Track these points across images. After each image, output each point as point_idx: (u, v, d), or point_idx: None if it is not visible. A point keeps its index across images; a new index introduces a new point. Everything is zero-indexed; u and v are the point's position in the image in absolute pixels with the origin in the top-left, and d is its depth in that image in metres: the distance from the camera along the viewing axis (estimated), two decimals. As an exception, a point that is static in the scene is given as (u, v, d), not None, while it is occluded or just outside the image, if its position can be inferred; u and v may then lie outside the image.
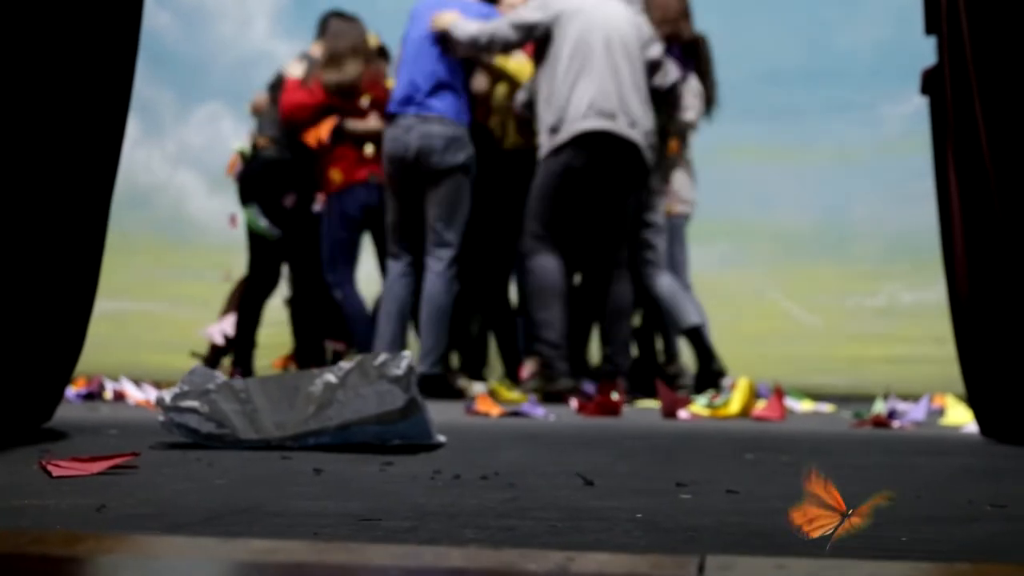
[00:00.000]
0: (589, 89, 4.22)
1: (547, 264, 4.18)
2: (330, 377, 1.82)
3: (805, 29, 6.42)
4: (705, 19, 5.46)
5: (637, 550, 0.82)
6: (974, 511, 1.20)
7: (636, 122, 4.25)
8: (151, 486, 1.29)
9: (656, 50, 4.42)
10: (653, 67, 4.42)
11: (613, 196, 4.26)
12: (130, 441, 1.91)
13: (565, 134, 4.21)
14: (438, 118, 4.32)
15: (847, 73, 6.39)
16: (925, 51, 2.48)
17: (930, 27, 2.41)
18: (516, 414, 3.21)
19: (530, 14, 4.34)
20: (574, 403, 3.61)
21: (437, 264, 4.29)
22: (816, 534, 0.95)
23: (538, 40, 4.37)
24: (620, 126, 4.21)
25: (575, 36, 4.29)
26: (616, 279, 4.28)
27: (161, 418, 1.83)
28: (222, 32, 6.90)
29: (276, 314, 5.06)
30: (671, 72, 4.50)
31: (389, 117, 4.43)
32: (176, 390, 1.83)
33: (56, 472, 1.35)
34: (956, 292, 2.38)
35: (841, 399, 4.78)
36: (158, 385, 3.79)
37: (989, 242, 2.17)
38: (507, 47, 4.40)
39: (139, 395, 3.68)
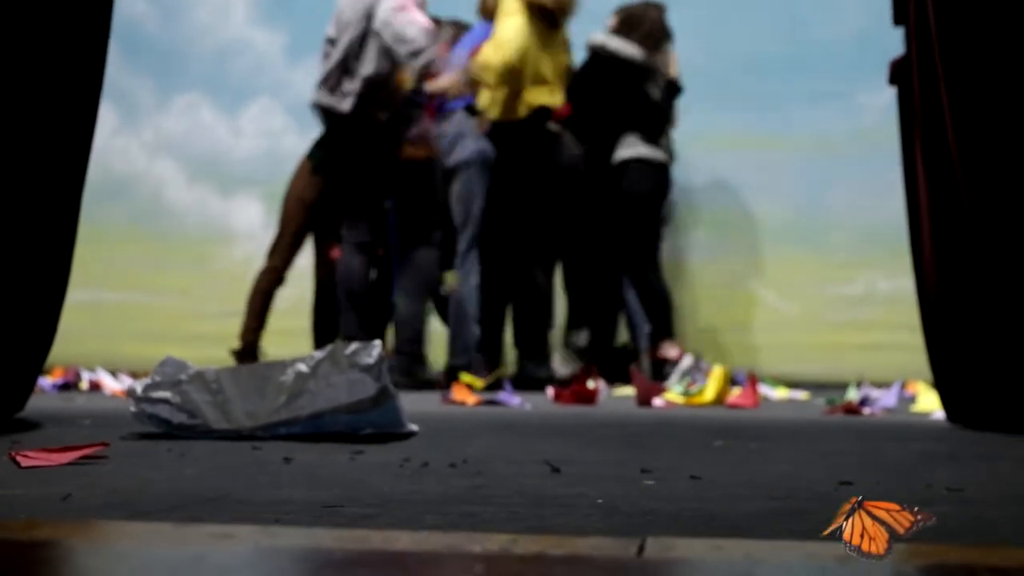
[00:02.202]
0: None
1: (341, 261, 4.43)
2: (301, 367, 1.83)
3: (783, 19, 6.44)
4: (684, 9, 5.47)
5: (588, 532, 0.84)
6: (930, 494, 1.22)
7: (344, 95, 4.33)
8: (119, 476, 1.30)
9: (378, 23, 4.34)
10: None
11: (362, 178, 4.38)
12: (103, 431, 1.91)
13: None
14: None
15: (825, 62, 6.40)
16: (901, 41, 2.49)
17: (898, 18, 2.43)
18: (492, 403, 3.22)
19: None
20: (550, 391, 3.63)
21: None
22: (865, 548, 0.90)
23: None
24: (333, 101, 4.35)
25: None
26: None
27: (133, 409, 1.83)
28: (199, 19, 6.85)
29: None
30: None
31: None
32: (148, 381, 1.83)
33: (25, 463, 1.36)
34: (923, 281, 2.41)
35: (818, 386, 4.82)
36: (134, 375, 3.78)
37: (955, 231, 2.19)
38: None
39: (115, 385, 3.68)
